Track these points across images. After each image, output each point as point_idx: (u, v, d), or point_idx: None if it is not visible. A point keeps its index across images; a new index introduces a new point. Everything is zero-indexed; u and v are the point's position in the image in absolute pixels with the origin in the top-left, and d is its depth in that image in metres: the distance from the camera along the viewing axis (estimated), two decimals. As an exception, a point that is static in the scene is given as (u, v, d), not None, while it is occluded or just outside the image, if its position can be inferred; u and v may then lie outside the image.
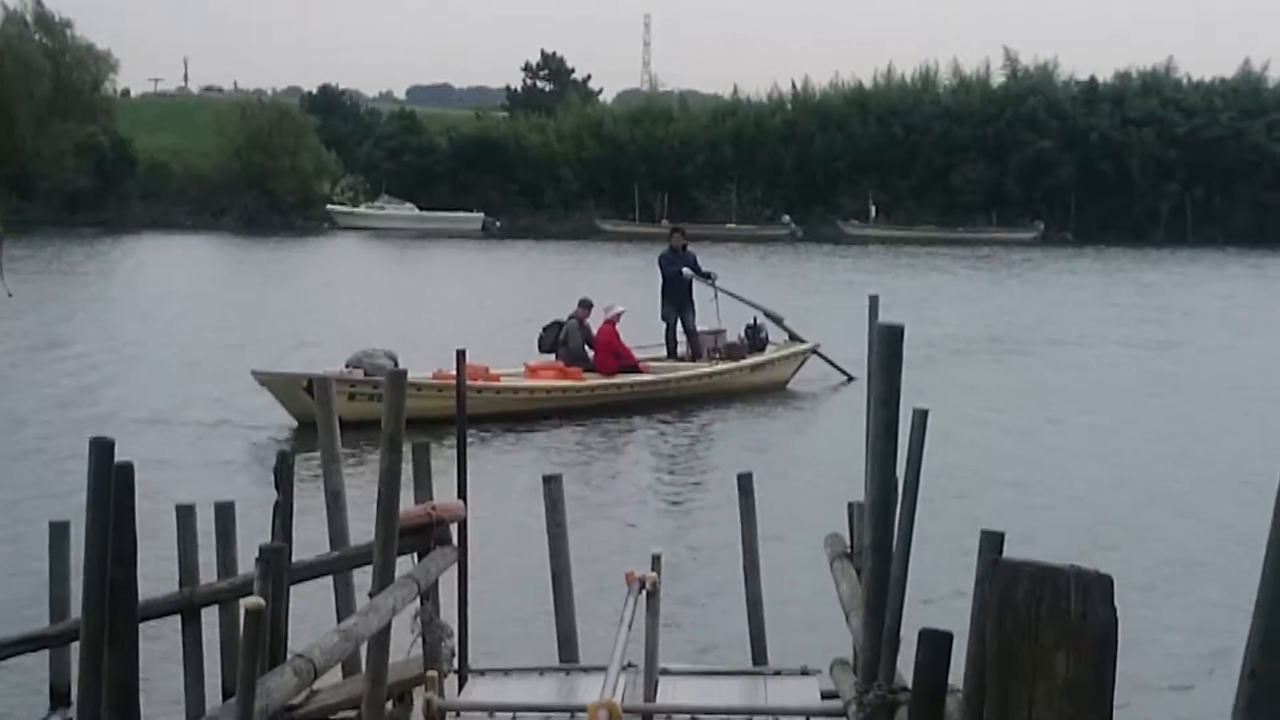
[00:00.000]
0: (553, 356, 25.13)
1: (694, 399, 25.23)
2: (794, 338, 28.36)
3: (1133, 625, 4.75)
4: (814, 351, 28.01)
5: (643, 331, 27.05)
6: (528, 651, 11.07)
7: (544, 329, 25.63)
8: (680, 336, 27.14)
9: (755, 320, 27.90)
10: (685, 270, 27.05)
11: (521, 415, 23.00)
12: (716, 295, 27.75)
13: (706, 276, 27.42)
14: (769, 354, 27.49)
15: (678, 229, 29.69)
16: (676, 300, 27.10)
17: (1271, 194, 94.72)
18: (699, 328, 27.13)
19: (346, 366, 21.83)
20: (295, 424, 21.53)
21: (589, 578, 12.61)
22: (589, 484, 18.70)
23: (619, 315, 25.38)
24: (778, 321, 28.32)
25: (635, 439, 22.53)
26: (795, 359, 27.74)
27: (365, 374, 21.43)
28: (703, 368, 26.33)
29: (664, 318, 27.28)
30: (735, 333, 27.51)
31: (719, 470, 19.18)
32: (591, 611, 11.12)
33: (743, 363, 26.76)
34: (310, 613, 10.67)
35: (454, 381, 9.90)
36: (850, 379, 26.47)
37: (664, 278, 27.24)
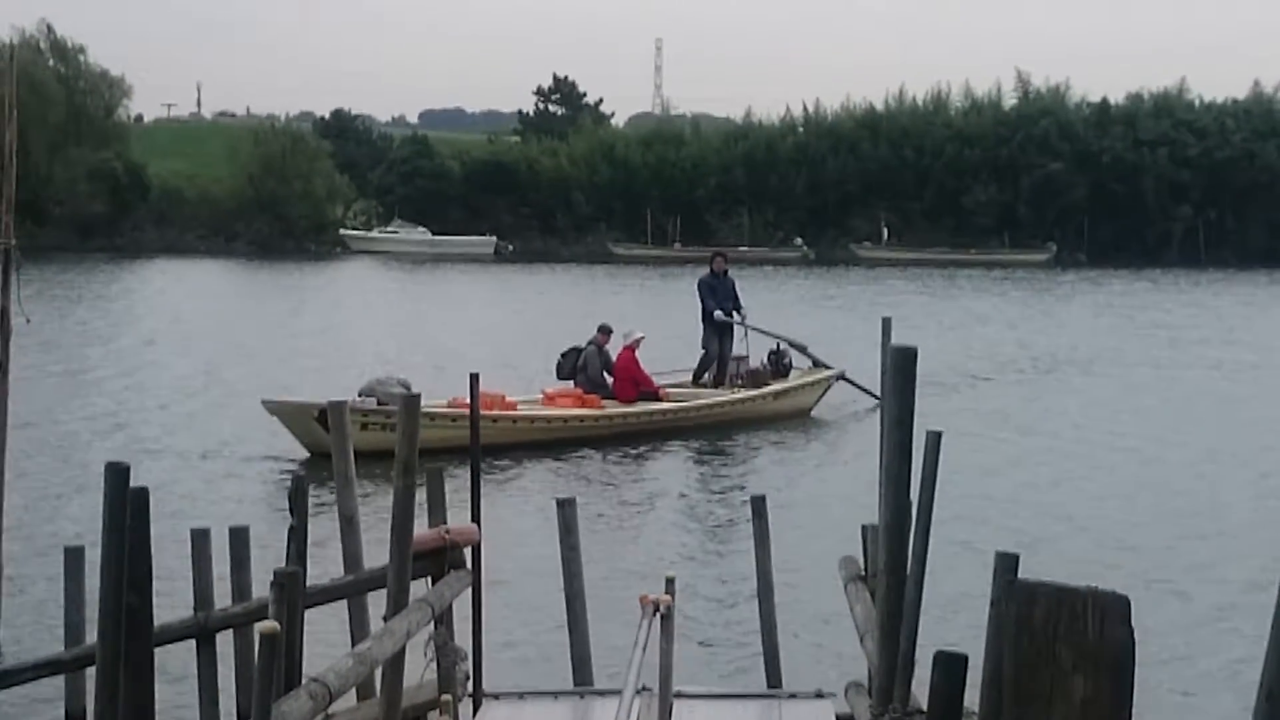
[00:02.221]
0: (571, 384, 24.75)
1: (716, 427, 24.87)
2: (818, 364, 27.97)
3: (1151, 646, 4.74)
4: (840, 377, 27.56)
5: (664, 358, 26.77)
6: (542, 675, 11.06)
7: (562, 355, 25.26)
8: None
9: (779, 346, 27.55)
10: (718, 314, 26.71)
11: (539, 444, 22.63)
12: (747, 333, 27.36)
13: (738, 315, 27.01)
14: (792, 380, 27.05)
15: (719, 253, 29.21)
16: (718, 329, 26.80)
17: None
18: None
19: (360, 395, 21.39)
20: (307, 455, 21.17)
21: (603, 601, 12.60)
22: (604, 509, 18.67)
23: (639, 341, 24.96)
24: (802, 350, 27.98)
25: (652, 466, 22.31)
26: (819, 385, 27.26)
27: (379, 403, 21.01)
28: (724, 395, 25.93)
29: (704, 345, 26.94)
30: (758, 359, 27.15)
31: (735, 495, 19.16)
32: (606, 635, 11.11)
33: (765, 390, 26.30)
34: (325, 637, 10.66)
35: (468, 411, 9.88)
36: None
37: (704, 309, 26.96)
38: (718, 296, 26.99)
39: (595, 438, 23.39)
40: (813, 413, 26.97)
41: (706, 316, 26.92)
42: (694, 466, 22.31)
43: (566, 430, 23.36)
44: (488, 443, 19.27)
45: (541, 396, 24.21)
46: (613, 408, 24.28)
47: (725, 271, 27.54)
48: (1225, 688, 11.71)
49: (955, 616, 11.66)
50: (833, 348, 30.18)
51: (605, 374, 24.89)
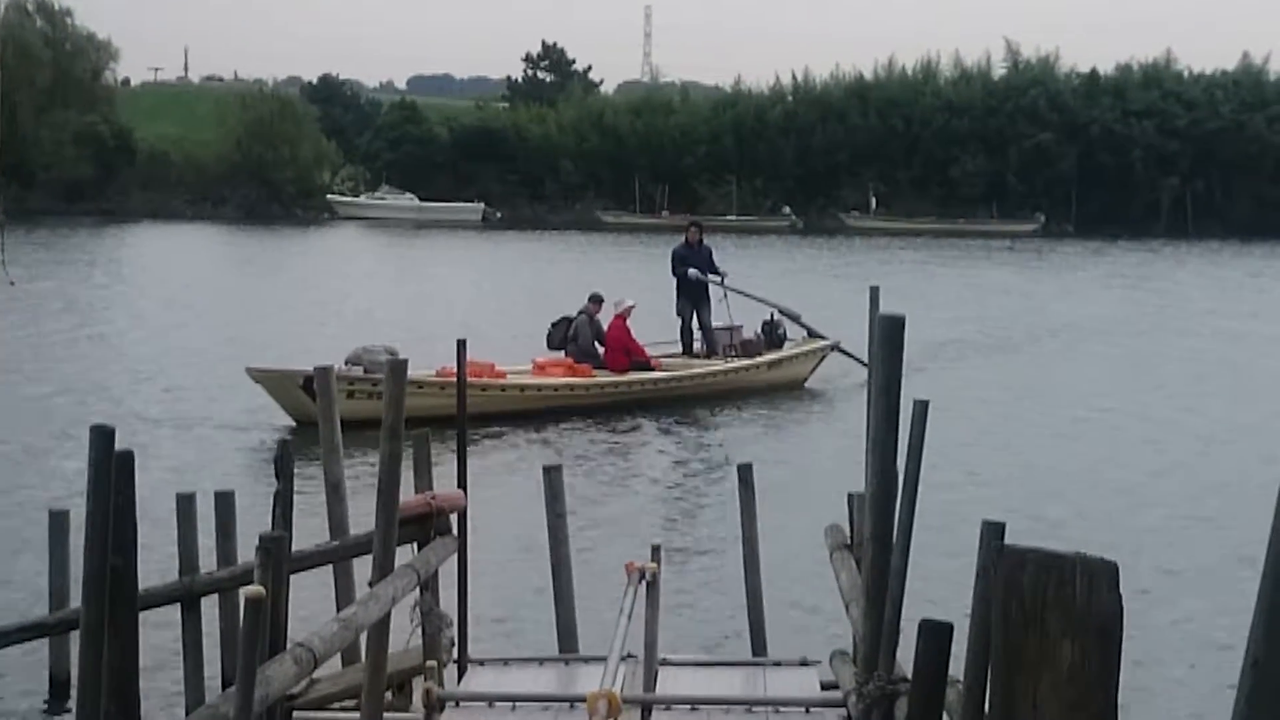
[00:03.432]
0: (562, 353, 24.52)
1: (708, 397, 24.71)
2: (813, 334, 27.62)
3: (1137, 613, 4.75)
4: (834, 348, 27.17)
5: (655, 327, 26.59)
6: (527, 641, 11.07)
7: (553, 325, 25.05)
8: (696, 333, 26.59)
9: (773, 316, 27.26)
10: (691, 271, 26.44)
11: (529, 414, 22.47)
12: (726, 295, 26.96)
13: (716, 275, 26.71)
14: (786, 351, 26.79)
15: (695, 223, 28.84)
16: (691, 296, 26.52)
17: (1272, 187, 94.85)
18: (714, 324, 26.62)
19: (346, 363, 21.11)
20: (293, 423, 20.89)
21: (589, 568, 12.61)
22: (592, 478, 18.65)
23: (630, 310, 24.75)
24: (794, 319, 27.59)
25: (642, 435, 22.22)
26: (814, 356, 27.00)
27: (365, 371, 20.76)
28: (717, 365, 25.72)
29: (679, 313, 26.67)
30: (752, 329, 26.89)
31: (724, 464, 19.13)
32: (591, 602, 11.12)
33: (759, 360, 26.09)
34: (310, 602, 10.66)
35: (456, 379, 9.85)
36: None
37: (675, 276, 26.75)
38: (688, 266, 26.73)
39: (586, 407, 23.28)
40: (807, 384, 26.81)
41: (678, 284, 26.69)
42: (684, 436, 22.26)
43: (557, 399, 23.25)
44: (478, 412, 19.27)
45: (532, 366, 24.05)
46: (604, 377, 24.13)
47: (700, 242, 27.22)
48: (1212, 655, 11.74)
49: (941, 585, 11.67)
50: (822, 317, 30.07)
51: (596, 343, 24.69)
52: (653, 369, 24.86)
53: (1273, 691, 3.72)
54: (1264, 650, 3.71)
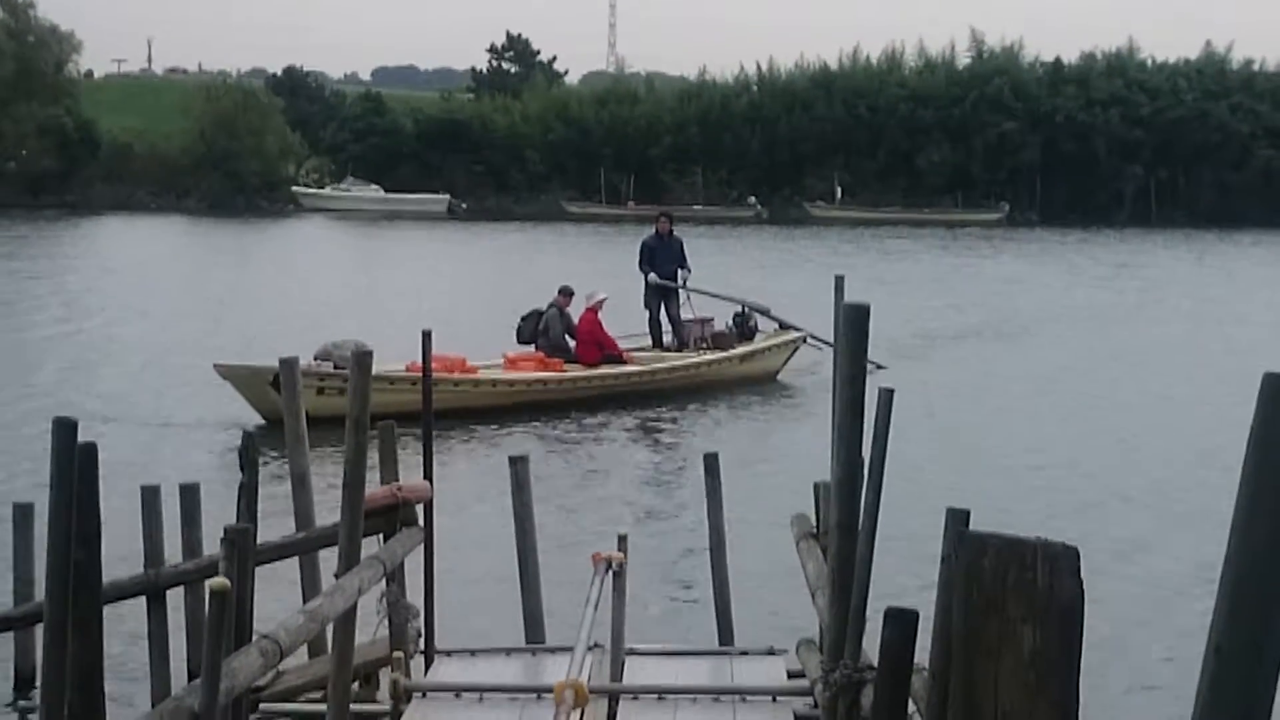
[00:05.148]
0: (532, 347, 24.27)
1: (680, 390, 24.57)
2: (785, 326, 27.51)
3: (1099, 598, 4.77)
4: (805, 340, 26.96)
5: (626, 320, 26.42)
6: (494, 632, 11.05)
7: (523, 318, 24.71)
8: (665, 325, 26.41)
9: (744, 309, 27.11)
10: (651, 276, 26.31)
11: (500, 409, 22.25)
12: (689, 297, 26.80)
13: (679, 276, 26.49)
14: (758, 343, 26.67)
15: (665, 213, 28.55)
16: (659, 288, 26.41)
17: (1234, 175, 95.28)
18: (683, 316, 26.49)
19: (315, 358, 20.81)
20: (262, 420, 20.45)
21: (556, 559, 12.61)
22: (563, 469, 18.61)
23: (601, 303, 24.47)
24: (764, 313, 27.43)
25: (612, 428, 22.05)
26: (786, 348, 26.88)
27: (335, 367, 20.37)
28: (689, 358, 25.55)
29: (646, 305, 26.51)
30: (723, 321, 26.74)
31: (693, 456, 19.07)
32: (558, 593, 11.12)
33: (731, 353, 25.93)
34: (276, 594, 10.63)
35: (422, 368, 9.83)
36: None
37: (641, 271, 26.60)
38: (658, 260, 26.48)
39: (558, 401, 23.08)
40: (779, 376, 26.70)
41: (646, 279, 26.57)
42: (654, 429, 22.20)
43: (529, 394, 23.06)
44: (450, 407, 19.15)
45: (503, 360, 23.87)
46: (575, 371, 23.92)
47: (670, 232, 27.01)
48: (1175, 641, 11.80)
49: (907, 573, 11.71)
50: (789, 307, 30.02)
51: (567, 337, 24.44)
52: (624, 362, 24.64)
53: (1235, 678, 3.74)
54: (1226, 637, 3.73)
